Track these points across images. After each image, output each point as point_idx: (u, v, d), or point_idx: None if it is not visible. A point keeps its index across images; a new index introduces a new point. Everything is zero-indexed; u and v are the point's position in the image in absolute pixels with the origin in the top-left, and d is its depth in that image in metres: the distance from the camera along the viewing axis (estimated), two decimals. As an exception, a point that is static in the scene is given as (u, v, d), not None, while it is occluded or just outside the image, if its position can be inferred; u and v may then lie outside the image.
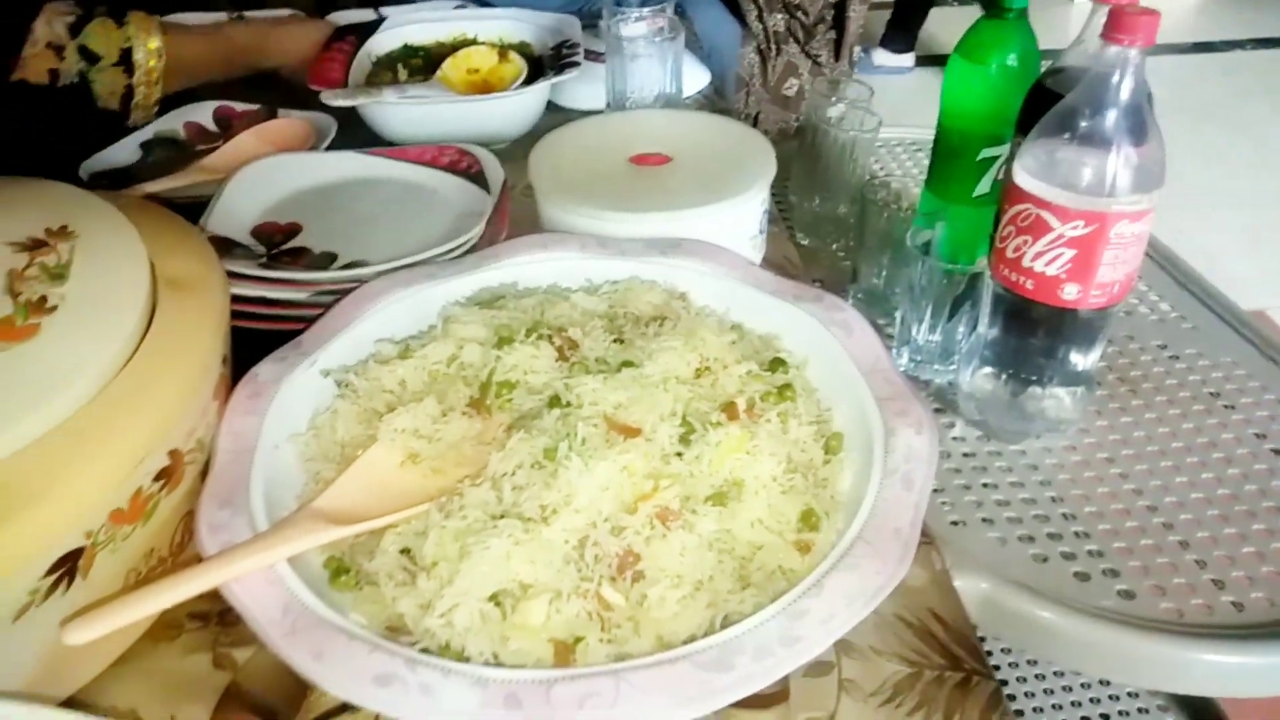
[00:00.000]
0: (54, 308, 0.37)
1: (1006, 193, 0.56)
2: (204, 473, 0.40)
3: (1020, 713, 0.60)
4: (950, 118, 0.68)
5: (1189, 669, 0.50)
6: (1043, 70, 0.62)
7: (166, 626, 0.41)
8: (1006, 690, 0.59)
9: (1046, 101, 0.55)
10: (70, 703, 0.37)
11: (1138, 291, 0.78)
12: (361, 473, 0.40)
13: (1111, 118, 0.51)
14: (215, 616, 0.41)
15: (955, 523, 0.57)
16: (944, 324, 0.67)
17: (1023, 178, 0.54)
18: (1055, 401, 0.61)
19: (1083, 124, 0.52)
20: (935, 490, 0.58)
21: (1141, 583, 0.53)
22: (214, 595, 0.41)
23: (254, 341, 0.48)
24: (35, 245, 0.39)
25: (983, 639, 0.41)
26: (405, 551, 0.37)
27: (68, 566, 0.33)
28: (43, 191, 0.45)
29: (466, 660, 0.33)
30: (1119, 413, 0.65)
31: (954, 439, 0.64)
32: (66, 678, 0.37)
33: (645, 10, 0.76)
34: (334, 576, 0.37)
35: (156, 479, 0.36)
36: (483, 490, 0.38)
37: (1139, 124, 0.51)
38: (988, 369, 0.62)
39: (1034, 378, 0.60)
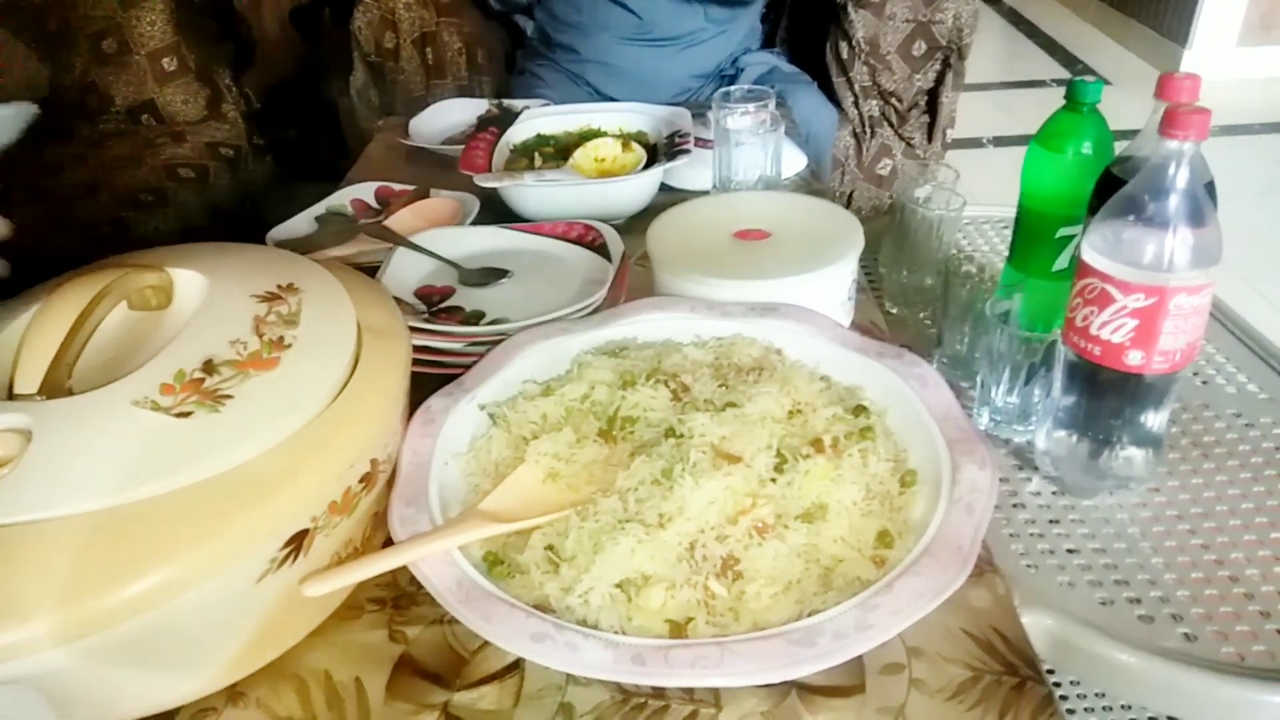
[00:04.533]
0: (289, 345, 0.47)
1: (1077, 268, 0.62)
2: (390, 481, 0.50)
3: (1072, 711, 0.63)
4: (1030, 199, 0.75)
5: (1249, 709, 0.53)
6: (1113, 158, 0.69)
7: (350, 608, 0.50)
8: (1066, 706, 0.63)
9: (1114, 187, 0.62)
10: (276, 664, 0.47)
11: (1215, 363, 0.82)
12: (513, 486, 0.49)
13: (1169, 203, 0.57)
14: (390, 601, 0.50)
15: (1028, 566, 0.62)
16: (1021, 387, 0.73)
17: (1090, 254, 0.60)
18: (1126, 460, 0.66)
19: (1144, 208, 0.58)
20: (1010, 535, 0.64)
21: (1204, 628, 0.57)
22: (389, 583, 0.51)
23: (421, 382, 0.59)
24: (272, 298, 0.51)
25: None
26: (549, 548, 0.46)
27: (297, 544, 0.43)
28: (269, 255, 0.57)
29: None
30: (1190, 474, 0.69)
31: (1030, 493, 0.69)
32: (280, 638, 0.46)
33: (750, 106, 0.86)
34: (491, 566, 0.46)
35: (360, 481, 0.46)
36: (612, 500, 0.46)
37: (1195, 208, 0.57)
38: (1062, 430, 0.67)
39: (1105, 437, 0.65)
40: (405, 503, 0.47)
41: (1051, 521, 0.66)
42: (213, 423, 0.42)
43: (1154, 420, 0.64)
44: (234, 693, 0.46)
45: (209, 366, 0.45)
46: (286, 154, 1.74)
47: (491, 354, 0.59)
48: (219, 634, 0.43)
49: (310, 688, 0.46)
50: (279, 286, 0.52)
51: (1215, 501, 0.67)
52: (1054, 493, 0.69)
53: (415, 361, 0.62)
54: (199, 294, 0.50)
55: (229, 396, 0.43)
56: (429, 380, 0.59)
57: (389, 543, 0.47)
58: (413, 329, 0.63)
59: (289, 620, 0.46)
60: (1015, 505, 0.67)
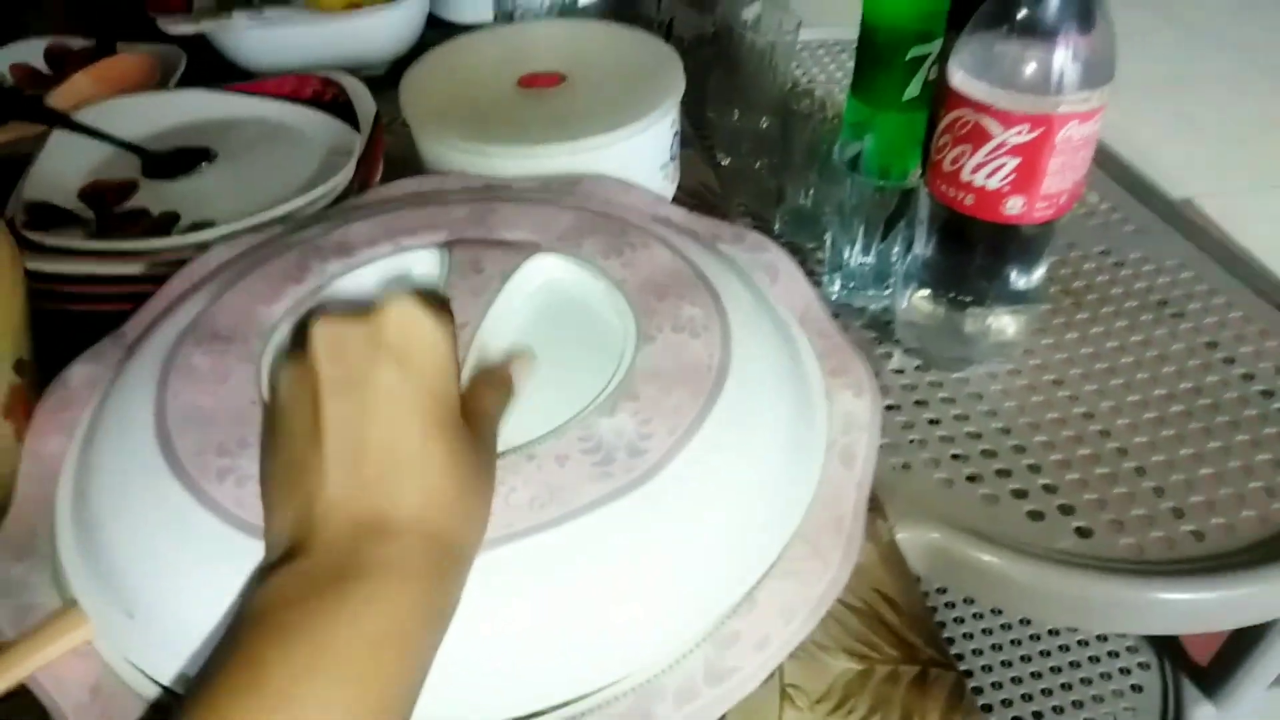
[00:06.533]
0: None
1: (941, 97, 0.50)
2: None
3: (988, 707, 0.56)
4: (873, 14, 0.62)
5: (1151, 610, 0.47)
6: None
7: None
8: (971, 683, 0.55)
9: (977, -9, 0.49)
10: None
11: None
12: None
13: (1055, 3, 0.45)
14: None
15: (897, 467, 0.52)
16: (877, 245, 0.62)
17: (959, 78, 0.48)
18: (998, 324, 0.57)
19: (1022, 14, 0.46)
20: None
21: (1098, 517, 0.50)
22: None
23: (81, 334, 0.40)
24: None
25: (941, 624, 0.37)
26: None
27: None
28: None
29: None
30: (1064, 329, 0.61)
31: (892, 371, 0.59)
32: None
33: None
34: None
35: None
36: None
37: (1085, 8, 0.45)
38: (925, 291, 0.57)
39: (975, 299, 0.56)
40: (14, 555, 0.30)
41: (918, 404, 0.57)
42: None
43: (1031, 277, 0.55)
44: None
45: None
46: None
47: (171, 283, 0.41)
48: None
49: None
50: None
51: (1094, 359, 0.59)
52: (918, 368, 0.59)
53: (68, 298, 0.43)
54: None
55: None
56: (97, 328, 0.40)
57: None
58: (61, 251, 0.44)
59: None
60: (879, 387, 0.57)
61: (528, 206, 0.41)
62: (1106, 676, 0.77)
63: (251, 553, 0.27)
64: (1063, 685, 0.75)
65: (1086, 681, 0.77)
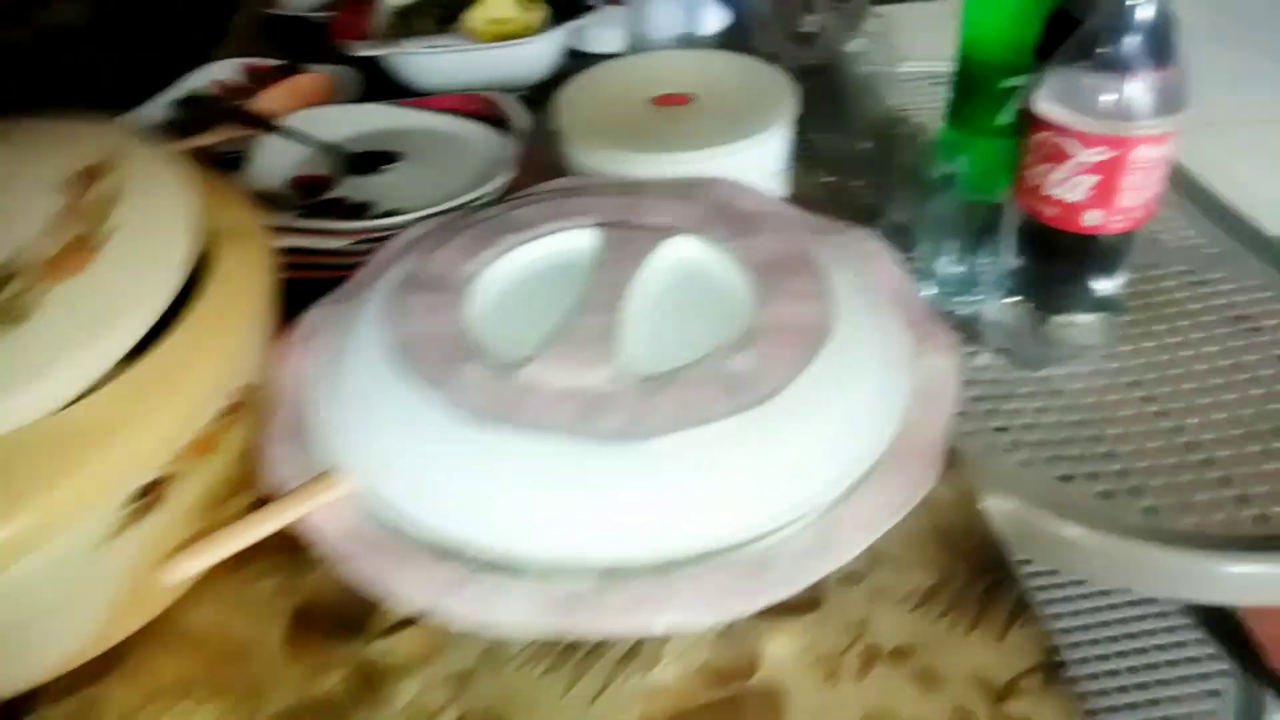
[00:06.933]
0: (104, 243, 0.37)
1: (1027, 122, 0.57)
2: (265, 410, 0.42)
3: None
4: (970, 48, 0.68)
5: (1210, 580, 0.51)
6: (1065, -5, 0.62)
7: (235, 556, 0.43)
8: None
9: (1067, 28, 0.55)
10: (154, 626, 0.40)
11: (1162, 219, 0.78)
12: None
13: (1132, 42, 0.51)
14: (282, 548, 0.44)
15: (980, 449, 0.58)
16: (967, 256, 0.68)
17: (1043, 105, 0.55)
18: (1078, 328, 0.62)
19: (1102, 49, 0.52)
20: (961, 415, 0.60)
21: (1165, 500, 0.54)
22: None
23: (301, 292, 0.50)
24: (79, 182, 0.40)
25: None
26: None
27: (151, 494, 0.35)
28: (75, 130, 0.45)
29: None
30: (1142, 337, 0.66)
31: (979, 368, 0.65)
32: (148, 602, 0.39)
33: (664, -49, 0.76)
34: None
35: (224, 414, 0.38)
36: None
37: (1160, 47, 0.51)
38: (1012, 298, 0.63)
39: (1057, 305, 0.61)
40: (286, 438, 0.39)
41: (1002, 396, 0.63)
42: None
43: (1109, 284, 0.60)
44: (102, 665, 0.39)
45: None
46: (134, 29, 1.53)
47: (382, 252, 0.51)
48: (71, 606, 0.35)
49: (192, 653, 0.39)
50: (88, 169, 0.41)
51: (1169, 365, 0.64)
52: (1004, 366, 0.65)
53: (290, 267, 0.54)
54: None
55: (28, 314, 0.34)
56: (309, 292, 0.51)
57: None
58: (283, 229, 0.54)
59: (155, 583, 0.39)
60: (965, 382, 0.63)
61: (665, 199, 0.50)
62: (1185, 680, 0.80)
63: (459, 431, 0.35)
64: (1139, 685, 0.79)
65: (1164, 683, 0.80)
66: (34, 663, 0.36)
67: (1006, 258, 0.62)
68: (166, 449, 0.35)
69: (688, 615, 0.32)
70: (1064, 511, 0.54)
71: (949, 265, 0.70)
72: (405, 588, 0.34)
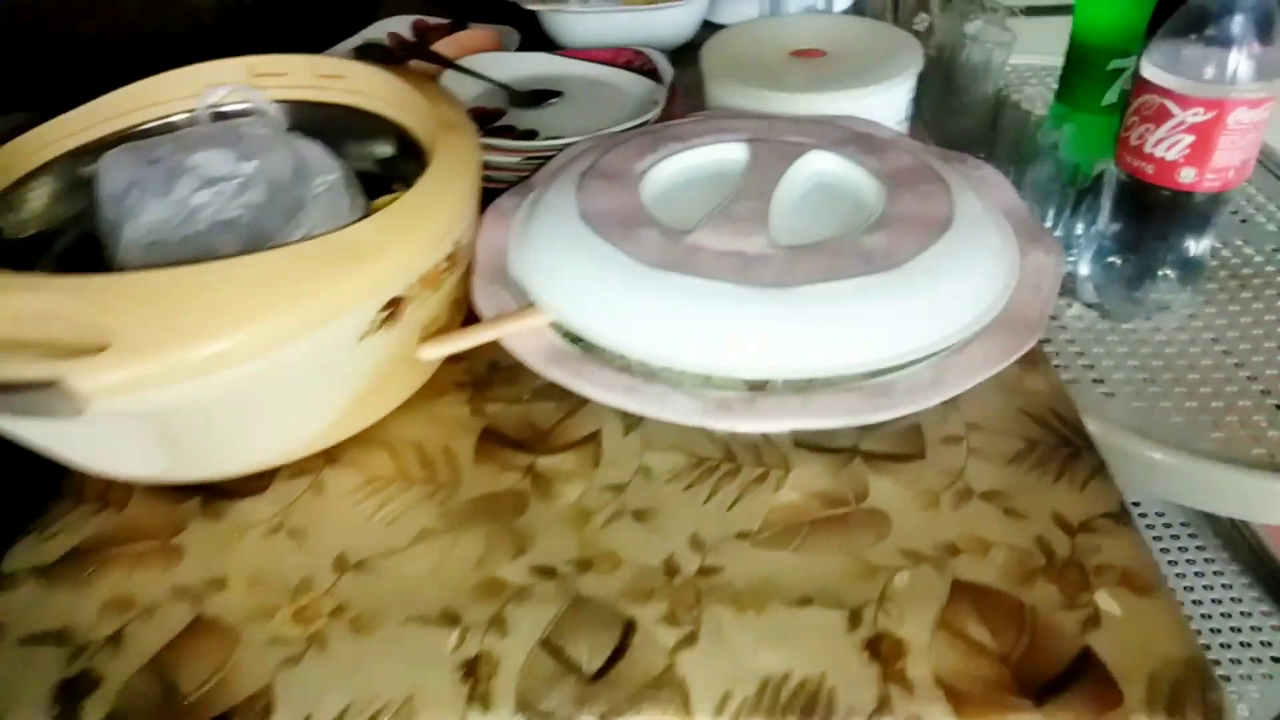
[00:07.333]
0: None
1: (1135, 86, 0.62)
2: (467, 268, 0.51)
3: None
4: (1083, 31, 0.74)
5: (1275, 499, 0.57)
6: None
7: (433, 388, 0.52)
8: None
9: (1174, 5, 0.61)
10: (367, 435, 0.49)
11: (1255, 202, 0.82)
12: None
13: (1237, 18, 0.57)
14: (470, 383, 0.53)
15: (1070, 380, 0.64)
16: (1066, 219, 0.74)
17: (1149, 70, 0.60)
18: (1166, 285, 0.68)
19: (1209, 24, 0.58)
20: (1053, 353, 0.66)
21: (1237, 432, 0.60)
22: (467, 368, 0.53)
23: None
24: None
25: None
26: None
27: (394, 309, 0.45)
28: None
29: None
30: (1228, 302, 0.71)
31: (1073, 316, 0.71)
32: (375, 404, 0.49)
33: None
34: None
35: (446, 260, 0.48)
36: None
37: (1264, 20, 0.57)
38: (1105, 256, 0.69)
39: (1149, 261, 0.67)
40: (488, 281, 0.48)
41: (1092, 341, 0.69)
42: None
43: (1198, 244, 0.65)
44: (329, 456, 0.49)
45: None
46: None
47: (554, 160, 0.60)
48: (322, 390, 0.45)
49: (402, 452, 0.48)
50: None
51: (1251, 327, 0.69)
52: (1095, 317, 0.71)
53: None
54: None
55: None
56: (488, 195, 0.60)
57: (470, 324, 0.49)
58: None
59: (384, 386, 0.48)
60: (1058, 327, 0.70)
61: (804, 124, 0.58)
62: (1258, 659, 0.85)
63: (639, 276, 0.44)
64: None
65: (1236, 662, 0.85)
66: (293, 432, 0.46)
67: (1102, 221, 0.68)
68: (411, 273, 0.45)
69: (820, 419, 0.40)
70: (1145, 433, 0.60)
71: (1050, 226, 0.76)
72: (591, 389, 0.42)
